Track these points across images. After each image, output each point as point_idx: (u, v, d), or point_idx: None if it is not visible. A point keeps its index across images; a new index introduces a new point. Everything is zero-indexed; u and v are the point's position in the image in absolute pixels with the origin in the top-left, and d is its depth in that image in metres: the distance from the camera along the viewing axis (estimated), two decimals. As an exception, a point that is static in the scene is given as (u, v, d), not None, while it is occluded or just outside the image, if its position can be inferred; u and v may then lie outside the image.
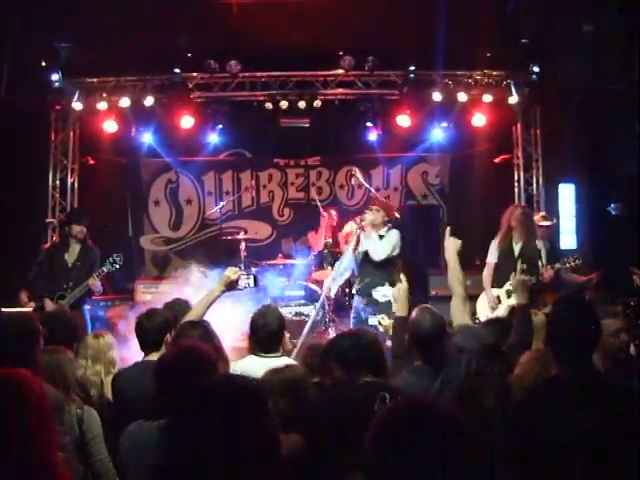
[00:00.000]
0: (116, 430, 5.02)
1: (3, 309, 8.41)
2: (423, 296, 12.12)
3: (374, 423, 2.20)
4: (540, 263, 9.40)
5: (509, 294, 9.02)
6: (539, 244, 9.61)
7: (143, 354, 5.58)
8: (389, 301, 8.49)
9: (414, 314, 5.34)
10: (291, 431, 4.11)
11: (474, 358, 4.69)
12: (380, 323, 6.26)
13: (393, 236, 9.21)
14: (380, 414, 2.23)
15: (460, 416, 2.17)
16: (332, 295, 10.08)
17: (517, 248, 9.44)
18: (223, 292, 5.55)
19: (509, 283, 9.04)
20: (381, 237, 9.20)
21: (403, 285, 6.10)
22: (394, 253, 9.18)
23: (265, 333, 5.58)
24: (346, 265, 9.50)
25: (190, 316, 5.10)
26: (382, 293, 8.93)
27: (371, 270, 9.15)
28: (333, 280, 9.56)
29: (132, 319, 9.10)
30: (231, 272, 5.55)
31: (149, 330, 5.45)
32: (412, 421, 2.14)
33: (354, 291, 9.41)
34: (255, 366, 5.37)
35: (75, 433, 4.73)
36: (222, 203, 13.07)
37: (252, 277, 5.72)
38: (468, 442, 2.12)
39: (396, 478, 2.10)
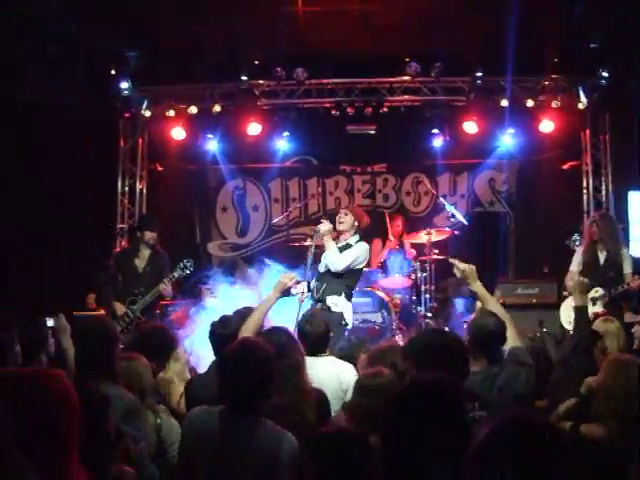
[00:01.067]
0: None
1: (74, 313, 8.55)
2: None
3: (482, 440, 2.18)
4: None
5: (594, 302, 8.91)
6: (624, 252, 9.53)
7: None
8: (341, 313, 8.56)
9: (478, 316, 5.36)
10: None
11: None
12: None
13: (358, 249, 9.03)
14: (487, 432, 2.20)
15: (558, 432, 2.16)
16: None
17: (602, 257, 9.34)
18: (278, 298, 5.65)
19: (594, 290, 8.96)
20: (347, 246, 9.05)
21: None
22: (356, 266, 8.98)
23: (314, 338, 5.93)
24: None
25: (248, 324, 5.16)
26: (335, 302, 8.69)
27: (330, 277, 8.93)
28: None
29: (197, 322, 9.28)
30: (286, 278, 5.62)
31: (223, 337, 5.51)
32: (521, 440, 2.12)
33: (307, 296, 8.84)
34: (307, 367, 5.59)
35: (153, 439, 4.78)
36: (289, 210, 13.15)
37: (305, 283, 5.82)
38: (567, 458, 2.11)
39: None
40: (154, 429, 4.88)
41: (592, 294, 8.94)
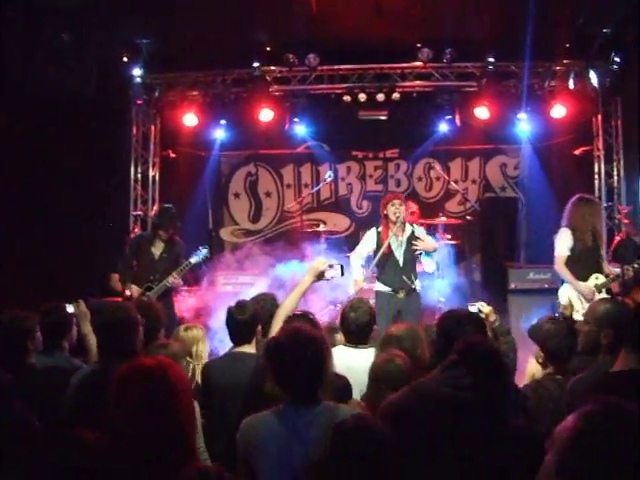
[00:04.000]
0: (205, 420, 5.16)
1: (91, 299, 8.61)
2: (502, 289, 12.07)
3: (572, 424, 2.16)
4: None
5: (599, 289, 8.84)
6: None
7: (232, 345, 5.69)
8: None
9: (549, 325, 5.36)
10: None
11: None
12: (480, 310, 6.22)
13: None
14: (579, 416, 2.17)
15: None
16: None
17: (590, 241, 9.20)
18: (313, 282, 5.51)
19: (595, 277, 8.91)
20: (414, 237, 9.41)
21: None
22: None
23: (356, 326, 5.77)
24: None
25: (283, 308, 5.11)
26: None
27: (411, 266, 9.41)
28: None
29: (212, 309, 9.33)
30: (319, 262, 5.52)
31: (241, 322, 5.56)
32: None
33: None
34: (345, 357, 5.53)
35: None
36: (302, 196, 13.21)
37: (339, 267, 5.76)
38: None
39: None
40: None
41: (592, 281, 8.89)
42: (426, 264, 9.48)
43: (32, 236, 10.59)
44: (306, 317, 5.07)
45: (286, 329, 4.23)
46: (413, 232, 9.41)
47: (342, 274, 5.88)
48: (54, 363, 5.39)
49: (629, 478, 2.01)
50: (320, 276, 5.43)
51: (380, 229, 9.50)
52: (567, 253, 8.91)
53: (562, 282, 9.21)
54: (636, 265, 8.99)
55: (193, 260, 9.36)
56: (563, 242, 8.95)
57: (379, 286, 9.38)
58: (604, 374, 4.15)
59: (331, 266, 5.55)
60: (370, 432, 3.17)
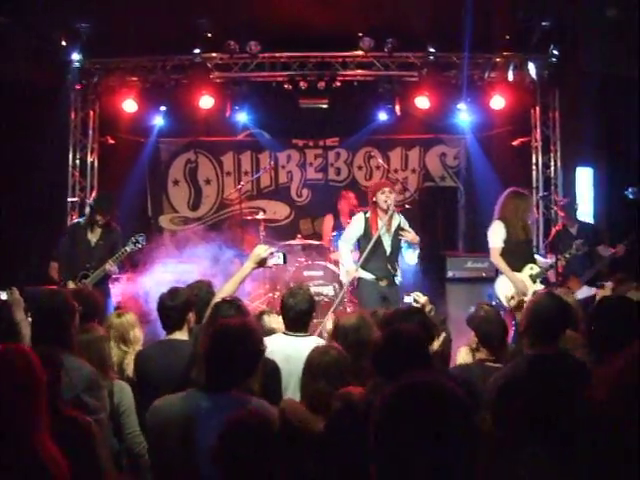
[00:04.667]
0: (138, 407, 5.14)
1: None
2: (440, 278, 12.19)
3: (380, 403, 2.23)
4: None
5: (534, 279, 9.00)
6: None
7: (165, 333, 5.67)
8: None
9: (483, 311, 5.41)
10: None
11: None
12: (416, 300, 6.26)
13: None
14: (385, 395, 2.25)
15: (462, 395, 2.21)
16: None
17: (522, 233, 9.32)
18: (253, 269, 5.57)
19: (529, 267, 9.06)
20: (400, 228, 9.33)
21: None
22: None
23: (295, 313, 5.74)
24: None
25: (222, 293, 5.12)
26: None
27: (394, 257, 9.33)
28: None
29: (151, 297, 9.27)
30: (261, 250, 5.56)
31: (172, 309, 5.54)
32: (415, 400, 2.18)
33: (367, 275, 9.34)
34: (284, 344, 5.53)
35: (108, 407, 4.81)
36: (241, 184, 13.17)
37: (281, 255, 5.76)
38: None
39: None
40: (107, 396, 4.91)
41: (527, 272, 9.05)
42: (408, 256, 9.43)
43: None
44: (233, 303, 5.04)
45: (226, 322, 4.25)
46: (400, 222, 9.38)
47: (284, 262, 5.89)
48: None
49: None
50: (261, 263, 5.46)
51: (368, 214, 9.43)
52: (501, 245, 9.06)
53: (497, 272, 9.38)
54: (567, 255, 9.20)
55: (129, 248, 9.26)
56: (497, 234, 9.11)
57: (363, 273, 9.29)
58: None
59: (272, 254, 5.56)
60: (255, 431, 3.18)
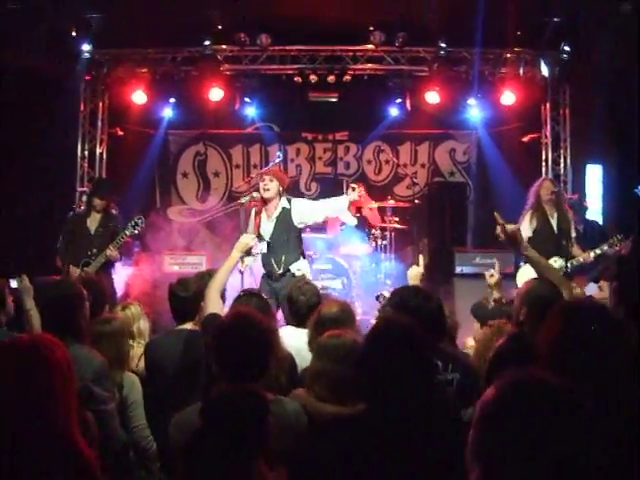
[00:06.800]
0: (147, 398, 5.13)
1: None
2: (448, 273, 12.17)
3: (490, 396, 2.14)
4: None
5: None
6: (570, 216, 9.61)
7: (176, 323, 5.66)
8: (304, 275, 8.22)
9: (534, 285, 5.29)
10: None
11: None
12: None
13: (306, 202, 8.93)
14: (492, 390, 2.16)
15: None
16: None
17: (554, 222, 9.32)
18: (241, 258, 5.68)
19: (554, 260, 8.99)
20: (285, 212, 8.41)
21: (419, 269, 6.14)
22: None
23: (307, 308, 5.75)
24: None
25: (214, 283, 5.11)
26: (299, 267, 8.33)
27: (284, 247, 8.28)
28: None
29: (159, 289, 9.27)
30: (248, 239, 5.67)
31: (183, 299, 5.52)
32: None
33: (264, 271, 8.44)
34: (294, 336, 5.53)
35: (116, 399, 4.80)
36: (250, 176, 13.16)
37: (265, 243, 5.83)
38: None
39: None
40: (117, 388, 4.89)
41: (552, 262, 8.96)
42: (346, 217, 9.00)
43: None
44: (259, 297, 5.07)
45: (235, 312, 4.22)
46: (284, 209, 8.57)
47: (268, 250, 5.94)
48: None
49: (546, 449, 2.01)
50: (248, 252, 5.56)
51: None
52: (529, 234, 9.05)
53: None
54: (598, 251, 9.14)
55: (128, 231, 9.21)
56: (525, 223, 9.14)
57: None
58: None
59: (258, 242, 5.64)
60: (239, 408, 3.06)
